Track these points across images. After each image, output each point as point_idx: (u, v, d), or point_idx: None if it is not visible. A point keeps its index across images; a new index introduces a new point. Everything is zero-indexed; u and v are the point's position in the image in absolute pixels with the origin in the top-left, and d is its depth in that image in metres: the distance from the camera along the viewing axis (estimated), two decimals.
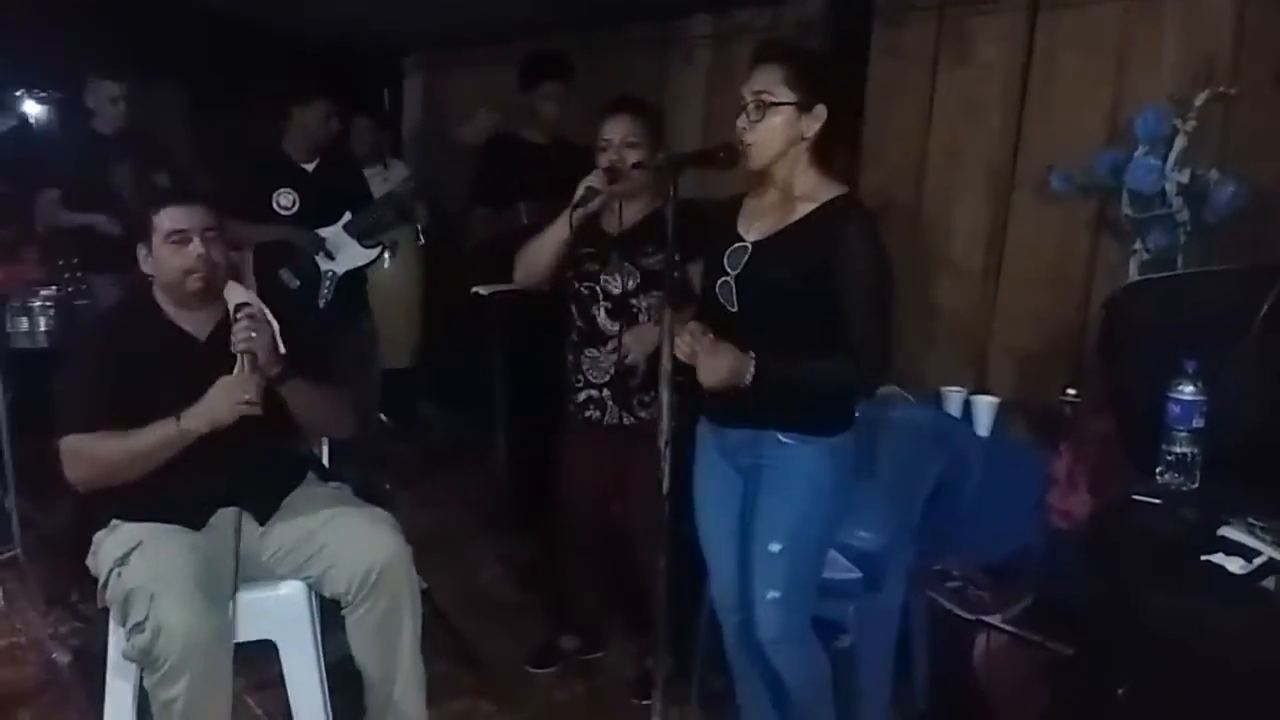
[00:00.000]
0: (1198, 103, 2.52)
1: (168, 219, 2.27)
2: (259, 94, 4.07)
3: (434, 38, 5.36)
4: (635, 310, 2.63)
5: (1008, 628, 2.62)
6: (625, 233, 2.64)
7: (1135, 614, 1.59)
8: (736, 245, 2.10)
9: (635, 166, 2.46)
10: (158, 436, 2.12)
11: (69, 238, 3.90)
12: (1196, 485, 2.13)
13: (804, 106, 2.00)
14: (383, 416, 5.03)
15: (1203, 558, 1.61)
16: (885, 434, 2.76)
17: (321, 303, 3.84)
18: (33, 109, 5.11)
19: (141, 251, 2.32)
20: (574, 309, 2.73)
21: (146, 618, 1.98)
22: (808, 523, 2.14)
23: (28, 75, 4.98)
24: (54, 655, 2.95)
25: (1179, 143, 2.52)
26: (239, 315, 2.18)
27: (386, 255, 4.33)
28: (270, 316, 2.25)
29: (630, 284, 2.63)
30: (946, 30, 3.12)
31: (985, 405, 3.00)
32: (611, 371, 2.65)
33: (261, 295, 2.34)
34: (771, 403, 2.06)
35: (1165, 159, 2.54)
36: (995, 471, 2.74)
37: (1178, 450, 2.14)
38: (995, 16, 3.00)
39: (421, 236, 4.57)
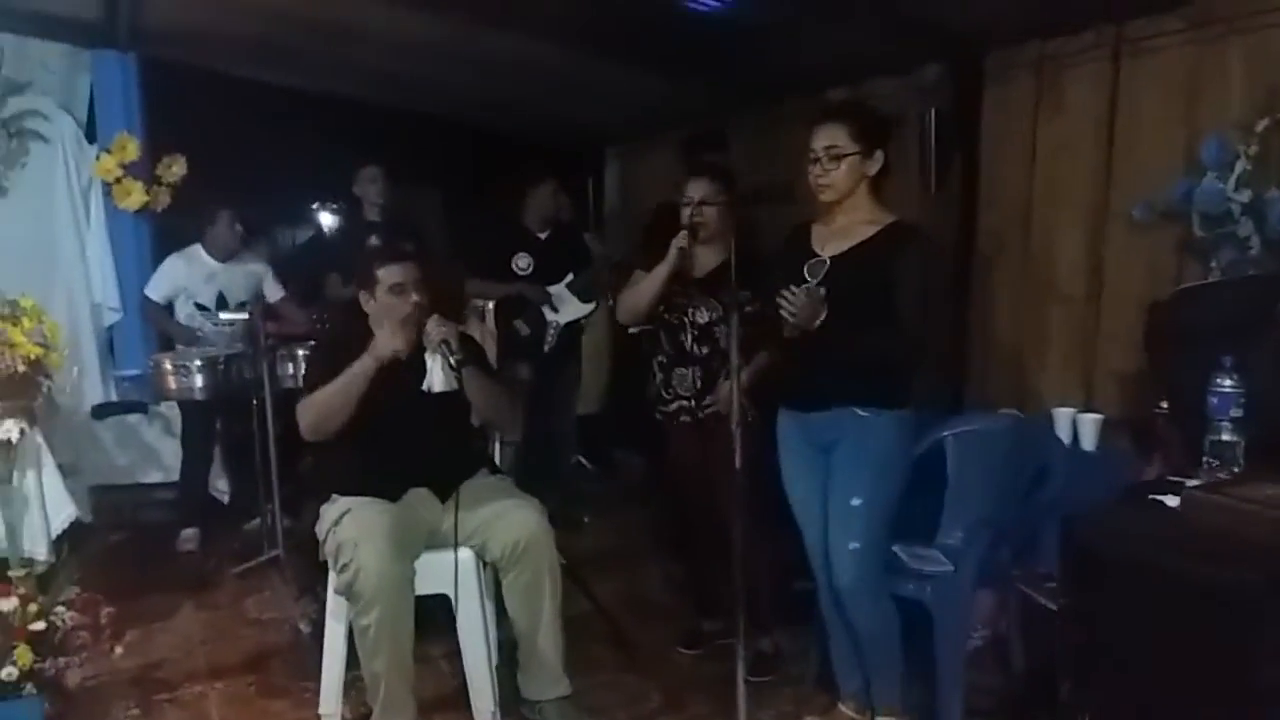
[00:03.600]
0: (1258, 129, 2.72)
1: (387, 273, 2.94)
2: (502, 183, 4.96)
3: (625, 131, 6.15)
4: (717, 338, 3.15)
5: None
6: (708, 274, 3.18)
7: (1092, 540, 1.87)
8: (814, 260, 2.60)
9: (723, 200, 3.00)
10: (355, 370, 2.80)
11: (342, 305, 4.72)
12: (1239, 470, 2.33)
13: (866, 154, 2.50)
14: (583, 460, 5.72)
15: (1150, 496, 1.87)
16: (978, 446, 3.06)
17: (546, 348, 4.62)
18: (326, 218, 5.98)
19: (364, 296, 3.04)
20: (662, 335, 3.29)
21: (351, 560, 2.64)
22: (882, 480, 2.56)
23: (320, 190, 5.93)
24: (299, 625, 3.72)
25: (1240, 166, 2.73)
26: (429, 321, 2.85)
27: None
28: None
29: (713, 316, 3.16)
30: (1044, 83, 3.44)
31: (1090, 422, 3.21)
32: (698, 386, 3.19)
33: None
34: (847, 384, 2.53)
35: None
36: (1091, 481, 2.96)
37: (1219, 438, 2.36)
38: (1084, 67, 3.29)
39: (611, 297, 5.26)
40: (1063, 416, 3.29)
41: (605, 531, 4.87)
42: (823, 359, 2.49)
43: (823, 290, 2.51)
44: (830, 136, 2.51)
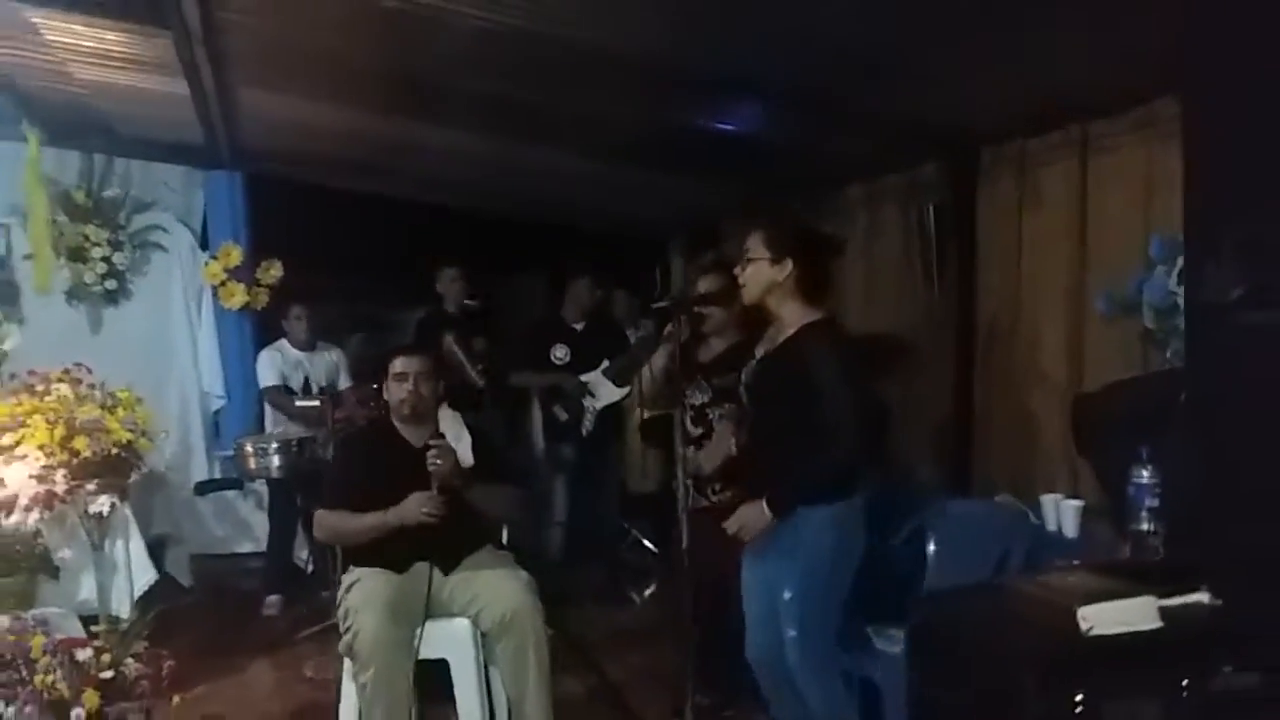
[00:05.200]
0: None
1: (396, 364, 3.36)
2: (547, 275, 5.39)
3: (684, 225, 6.53)
4: (709, 418, 3.35)
5: None
6: (710, 360, 3.40)
7: (930, 619, 2.03)
8: (752, 361, 2.82)
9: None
10: (369, 522, 3.18)
11: None
12: (1159, 556, 2.42)
13: (774, 260, 2.70)
14: (642, 539, 5.97)
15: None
16: (949, 531, 3.18)
17: (584, 431, 4.97)
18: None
19: (384, 384, 3.44)
20: (678, 418, 3.48)
21: (352, 624, 2.99)
22: (812, 574, 2.72)
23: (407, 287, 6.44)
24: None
25: (1181, 260, 2.82)
26: (431, 445, 3.17)
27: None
28: (457, 446, 3.24)
29: (705, 399, 3.36)
30: (1026, 180, 3.60)
31: (1070, 508, 3.28)
32: (693, 468, 3.35)
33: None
34: (775, 483, 2.70)
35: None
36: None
37: (1138, 527, 2.47)
38: (1057, 165, 3.45)
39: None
40: (1048, 503, 3.37)
41: (654, 607, 5.09)
42: (750, 458, 2.71)
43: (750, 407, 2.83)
44: (749, 240, 2.73)
